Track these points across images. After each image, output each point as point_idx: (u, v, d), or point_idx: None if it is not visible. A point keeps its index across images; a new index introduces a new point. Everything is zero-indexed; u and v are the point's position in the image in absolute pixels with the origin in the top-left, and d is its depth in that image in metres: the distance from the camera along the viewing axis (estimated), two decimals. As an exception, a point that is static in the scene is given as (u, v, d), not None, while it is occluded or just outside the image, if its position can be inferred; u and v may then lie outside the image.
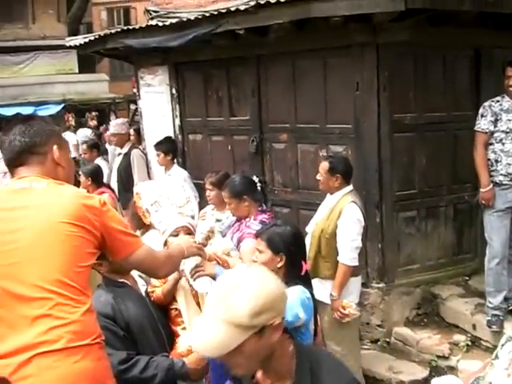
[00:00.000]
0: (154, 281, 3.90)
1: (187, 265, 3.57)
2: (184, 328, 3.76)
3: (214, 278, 3.43)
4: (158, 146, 8.05)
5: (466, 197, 6.90)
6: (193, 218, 4.09)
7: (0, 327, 2.53)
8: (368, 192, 6.38)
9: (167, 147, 8.02)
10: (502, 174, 5.84)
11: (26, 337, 2.49)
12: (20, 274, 2.55)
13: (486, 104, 5.93)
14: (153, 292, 3.87)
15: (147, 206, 4.06)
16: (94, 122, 18.81)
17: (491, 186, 5.89)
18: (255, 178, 5.45)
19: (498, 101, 5.89)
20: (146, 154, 9.26)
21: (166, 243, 3.87)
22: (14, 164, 2.88)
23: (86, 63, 25.39)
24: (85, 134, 13.52)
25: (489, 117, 5.87)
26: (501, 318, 5.92)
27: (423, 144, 6.68)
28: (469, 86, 6.93)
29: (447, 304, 6.57)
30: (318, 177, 5.46)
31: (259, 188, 5.38)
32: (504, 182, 5.84)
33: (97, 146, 10.16)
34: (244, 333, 1.96)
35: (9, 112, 19.18)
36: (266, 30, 6.68)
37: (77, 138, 13.44)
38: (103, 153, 10.55)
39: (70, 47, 9.84)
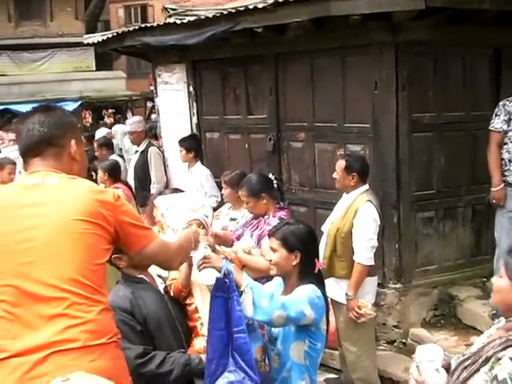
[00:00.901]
0: (172, 273, 3.91)
1: (195, 256, 3.57)
2: (202, 323, 3.75)
3: (219, 271, 3.41)
4: (182, 142, 8.10)
5: (484, 197, 6.85)
6: (207, 216, 4.13)
7: (15, 326, 2.51)
8: (385, 192, 6.34)
9: (189, 144, 8.06)
10: None
11: (42, 336, 2.47)
12: (35, 273, 2.53)
13: (501, 103, 5.90)
14: (171, 285, 3.87)
15: (163, 211, 4.10)
16: (110, 120, 18.92)
17: (502, 185, 5.86)
18: (271, 176, 5.45)
19: None
20: (162, 152, 9.27)
21: None
22: (30, 154, 2.82)
23: (103, 61, 25.53)
24: (102, 133, 13.60)
25: (502, 116, 5.84)
26: None
27: (442, 144, 6.62)
28: (488, 86, 6.87)
29: (464, 305, 6.52)
30: (335, 175, 5.44)
31: (276, 186, 5.38)
32: None
33: (107, 144, 10.17)
34: None
35: (26, 109, 19.11)
36: (285, 28, 6.66)
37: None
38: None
39: (88, 44, 9.87)
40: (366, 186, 5.37)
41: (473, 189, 6.85)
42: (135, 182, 8.75)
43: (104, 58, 25.04)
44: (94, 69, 26.51)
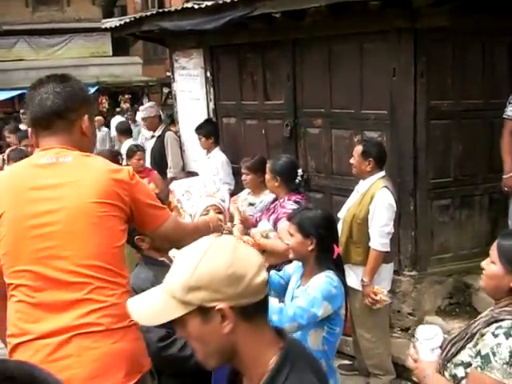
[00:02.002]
0: None
1: None
2: None
3: None
4: (199, 130, 8.08)
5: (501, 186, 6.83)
6: (223, 201, 4.13)
7: (38, 310, 2.53)
8: (402, 179, 6.32)
9: (207, 130, 8.05)
10: None
11: (65, 319, 2.50)
12: (56, 259, 2.55)
13: None
14: None
15: (179, 196, 4.10)
16: (126, 105, 18.94)
17: None
18: (300, 171, 5.49)
19: None
20: (179, 137, 9.28)
21: None
22: (39, 125, 2.77)
23: (120, 46, 25.56)
24: (116, 121, 13.70)
25: None
26: None
27: (460, 131, 6.58)
28: (507, 73, 6.81)
29: (480, 294, 6.49)
30: (352, 161, 5.44)
31: (298, 180, 5.40)
32: None
33: (126, 131, 10.25)
34: (179, 307, 1.72)
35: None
36: (303, 13, 6.62)
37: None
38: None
39: (106, 30, 9.85)
40: (383, 173, 5.36)
41: (490, 177, 6.81)
42: (152, 166, 8.78)
43: (121, 44, 25.07)
44: (111, 54, 26.55)
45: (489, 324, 2.58)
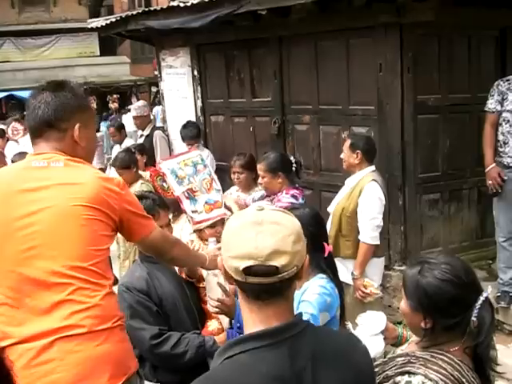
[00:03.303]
0: None
1: (207, 251, 3.59)
2: None
3: (232, 318, 3.42)
4: (187, 138, 8.02)
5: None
6: (218, 191, 4.15)
7: (20, 313, 2.51)
8: (391, 174, 6.33)
9: (191, 134, 8.01)
10: (509, 156, 5.77)
11: (47, 322, 2.48)
12: (39, 259, 2.53)
13: (496, 83, 5.87)
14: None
15: (178, 193, 4.05)
16: (115, 105, 18.88)
17: (494, 164, 5.84)
18: (292, 159, 5.48)
19: (508, 80, 5.81)
20: (167, 136, 9.27)
21: (199, 231, 3.98)
22: (33, 134, 2.80)
23: (107, 46, 25.50)
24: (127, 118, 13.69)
25: (495, 96, 5.82)
26: (510, 294, 5.93)
27: (447, 126, 6.61)
28: (494, 67, 6.84)
29: (470, 287, 6.51)
30: (342, 155, 5.44)
31: (294, 169, 5.40)
32: (511, 165, 5.77)
33: (124, 127, 10.21)
34: None
35: (31, 95, 19.25)
36: (289, 10, 6.64)
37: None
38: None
39: (92, 29, 9.84)
40: (372, 167, 5.36)
41: (478, 171, 6.81)
42: (141, 165, 8.76)
43: (108, 44, 25.03)
44: (99, 54, 26.49)
45: (402, 373, 2.33)
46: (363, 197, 5.18)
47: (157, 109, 14.62)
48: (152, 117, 13.35)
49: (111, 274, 2.82)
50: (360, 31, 6.40)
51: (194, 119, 8.78)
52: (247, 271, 1.75)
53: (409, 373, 2.30)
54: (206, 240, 3.94)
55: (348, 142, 5.36)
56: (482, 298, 2.34)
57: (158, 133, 8.94)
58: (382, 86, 6.29)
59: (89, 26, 9.65)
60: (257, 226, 1.78)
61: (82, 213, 2.59)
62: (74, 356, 2.47)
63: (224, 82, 8.28)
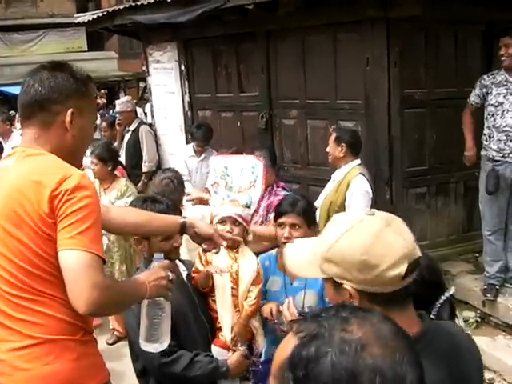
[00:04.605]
0: (197, 264, 3.62)
1: (215, 263, 3.51)
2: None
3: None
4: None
5: (476, 173, 6.87)
6: (248, 207, 3.77)
7: None
8: (378, 168, 6.34)
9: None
10: (494, 150, 5.82)
11: None
12: None
13: (480, 77, 5.93)
14: (194, 277, 3.59)
15: (208, 185, 3.91)
16: (103, 100, 18.80)
17: (475, 149, 6.01)
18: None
19: (492, 74, 5.88)
20: (154, 131, 9.25)
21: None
22: (23, 115, 2.57)
23: (95, 41, 25.39)
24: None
25: (477, 90, 5.93)
26: (496, 287, 5.98)
27: (434, 120, 6.63)
28: (480, 62, 6.86)
29: (457, 280, 6.55)
30: (327, 149, 5.46)
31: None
32: (496, 158, 5.82)
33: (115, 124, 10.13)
34: (318, 270, 1.78)
35: (18, 91, 19.15)
36: (276, 5, 6.63)
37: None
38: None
39: (79, 24, 9.82)
40: (358, 161, 5.37)
41: (465, 165, 6.84)
42: (127, 160, 8.73)
43: (95, 39, 24.92)
44: (86, 49, 26.35)
45: None
46: (351, 190, 5.20)
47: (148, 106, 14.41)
48: (143, 113, 13.34)
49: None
50: (347, 26, 6.41)
51: (181, 114, 8.78)
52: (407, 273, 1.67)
53: None
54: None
55: (333, 136, 5.39)
56: (443, 298, 2.36)
57: (144, 128, 8.89)
58: (369, 80, 6.30)
59: (76, 21, 9.62)
60: (389, 228, 1.74)
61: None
62: (22, 374, 2.36)
63: (211, 77, 8.28)
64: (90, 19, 9.07)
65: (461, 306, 6.36)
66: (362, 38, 6.29)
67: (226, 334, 3.50)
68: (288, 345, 1.26)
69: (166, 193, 5.00)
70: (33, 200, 2.31)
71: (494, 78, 5.81)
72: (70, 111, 2.53)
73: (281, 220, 3.64)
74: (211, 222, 3.79)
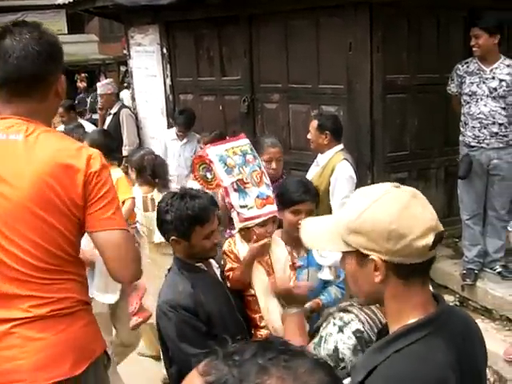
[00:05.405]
0: (229, 264, 3.43)
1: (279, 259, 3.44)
2: (261, 317, 3.38)
3: None
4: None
5: (457, 159, 6.91)
6: (268, 186, 3.55)
7: None
8: (360, 153, 6.35)
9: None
10: (470, 136, 5.88)
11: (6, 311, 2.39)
12: None
13: (455, 67, 5.96)
14: (228, 276, 3.41)
15: (226, 184, 3.52)
16: (83, 84, 18.64)
17: None
18: None
19: (466, 62, 5.90)
20: (135, 114, 9.20)
21: (245, 230, 3.42)
22: (13, 89, 2.38)
23: (75, 24, 25.12)
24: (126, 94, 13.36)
25: (455, 80, 5.94)
26: (475, 271, 6.04)
27: (416, 105, 6.65)
28: (462, 48, 6.86)
29: (437, 265, 6.58)
30: (309, 136, 5.45)
31: None
32: (472, 144, 5.87)
33: (73, 108, 9.94)
34: (341, 243, 1.78)
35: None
36: (259, -12, 6.61)
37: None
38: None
39: (59, 6, 9.72)
40: (341, 146, 5.38)
41: (445, 150, 6.90)
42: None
43: (76, 21, 24.66)
44: (66, 32, 26.07)
45: (339, 311, 2.45)
46: (335, 176, 5.21)
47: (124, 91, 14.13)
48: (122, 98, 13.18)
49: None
50: (330, 10, 6.40)
51: (163, 98, 8.73)
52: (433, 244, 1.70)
53: (344, 310, 2.42)
54: (249, 241, 3.40)
55: (315, 123, 5.37)
56: None
57: (124, 111, 8.83)
58: (352, 65, 6.31)
59: (56, 3, 9.52)
60: (416, 200, 1.75)
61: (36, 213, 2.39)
62: (35, 344, 2.39)
63: (193, 61, 8.24)
64: (71, 0, 8.98)
65: (440, 291, 6.40)
66: (344, 23, 6.28)
67: (275, 324, 3.27)
68: None
69: (154, 167, 5.03)
70: (67, 185, 2.35)
71: (467, 66, 5.84)
72: (62, 78, 2.49)
73: (297, 207, 3.62)
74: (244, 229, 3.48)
